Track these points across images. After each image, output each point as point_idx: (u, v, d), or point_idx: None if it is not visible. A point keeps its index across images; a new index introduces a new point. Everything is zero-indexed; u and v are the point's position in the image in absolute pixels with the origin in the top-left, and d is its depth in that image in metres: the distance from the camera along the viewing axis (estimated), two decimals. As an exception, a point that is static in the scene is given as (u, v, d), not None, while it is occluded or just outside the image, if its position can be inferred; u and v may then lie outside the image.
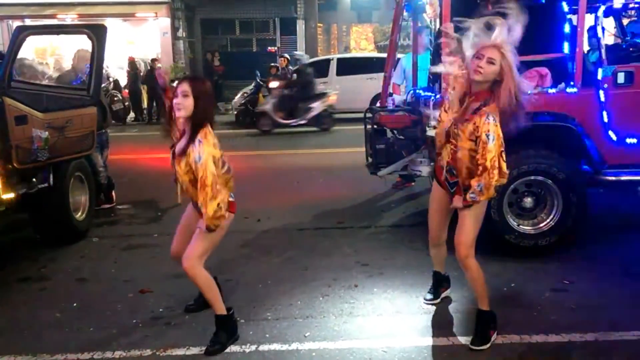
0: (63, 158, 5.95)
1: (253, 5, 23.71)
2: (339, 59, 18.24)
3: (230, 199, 3.89)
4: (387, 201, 7.80)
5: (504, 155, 3.64)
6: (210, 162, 3.66)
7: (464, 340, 3.96)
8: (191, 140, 3.71)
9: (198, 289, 4.46)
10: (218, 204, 3.68)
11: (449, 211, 4.08)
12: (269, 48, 24.32)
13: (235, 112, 17.21)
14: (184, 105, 3.70)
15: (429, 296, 4.56)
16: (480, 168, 3.62)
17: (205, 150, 3.67)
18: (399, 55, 8.73)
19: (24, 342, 4.08)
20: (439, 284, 4.57)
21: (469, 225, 3.86)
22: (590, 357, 3.74)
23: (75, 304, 4.71)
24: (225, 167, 3.87)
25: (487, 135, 3.56)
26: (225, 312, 4.00)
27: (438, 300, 4.54)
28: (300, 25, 24.17)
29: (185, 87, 3.71)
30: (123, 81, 19.34)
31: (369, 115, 6.98)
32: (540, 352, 3.81)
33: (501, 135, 3.61)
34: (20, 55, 5.69)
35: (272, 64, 17.54)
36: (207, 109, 3.80)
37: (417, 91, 6.71)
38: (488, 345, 3.87)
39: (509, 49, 3.61)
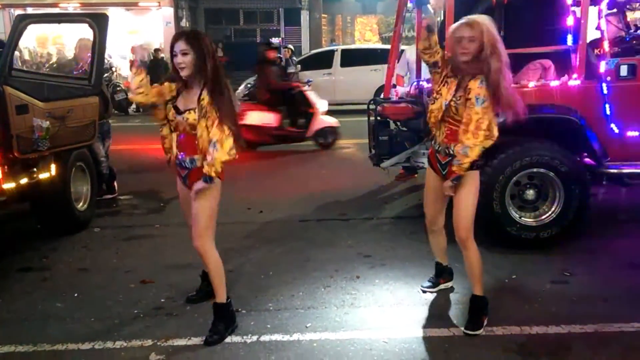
0: (64, 148, 5.93)
1: (257, -5, 23.70)
2: (343, 50, 18.19)
3: None
4: (390, 193, 7.79)
5: (493, 119, 3.71)
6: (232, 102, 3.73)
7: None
8: (204, 88, 3.72)
9: (200, 281, 4.50)
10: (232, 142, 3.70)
11: (445, 196, 4.10)
12: (273, 39, 24.26)
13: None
14: (186, 63, 3.71)
15: (427, 284, 4.59)
16: (463, 127, 3.71)
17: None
18: (403, 47, 8.72)
19: (25, 332, 4.09)
20: (440, 274, 4.59)
21: (466, 208, 3.91)
22: (590, 349, 3.73)
23: (76, 294, 4.72)
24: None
25: (477, 98, 3.68)
26: (225, 301, 4.01)
27: (435, 289, 4.56)
28: (304, 16, 24.14)
29: (182, 45, 3.71)
30: (126, 71, 19.32)
31: (372, 106, 6.96)
32: (541, 344, 3.81)
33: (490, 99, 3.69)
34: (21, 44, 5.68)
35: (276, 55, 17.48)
36: (213, 62, 3.75)
37: (421, 83, 6.69)
38: (481, 330, 3.93)
39: (482, 19, 3.73)
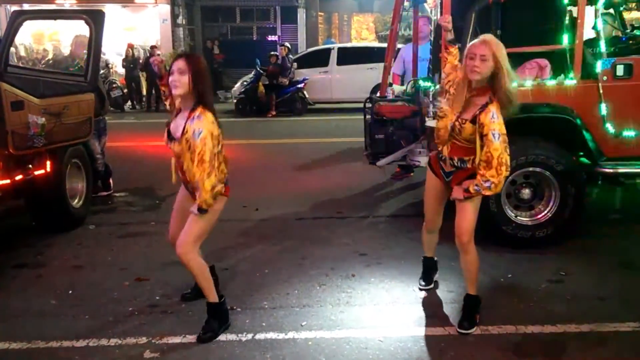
0: (60, 144, 5.92)
1: (254, -7, 23.64)
2: (339, 49, 18.19)
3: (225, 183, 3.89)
4: (386, 191, 7.79)
5: (508, 150, 3.69)
6: (209, 138, 3.62)
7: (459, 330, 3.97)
8: (189, 116, 3.68)
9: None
10: (215, 180, 3.66)
11: (444, 199, 4.15)
12: (271, 37, 24.26)
13: (235, 101, 17.20)
14: (180, 82, 3.64)
15: (423, 282, 4.62)
16: (484, 164, 3.67)
17: (205, 126, 3.62)
18: (399, 46, 8.71)
19: (19, 329, 4.07)
20: (430, 269, 4.64)
21: (470, 213, 3.91)
22: (586, 348, 3.74)
23: (70, 292, 4.70)
24: (219, 146, 3.79)
25: (494, 134, 3.62)
26: (217, 300, 4.00)
27: (431, 285, 4.61)
28: (301, 14, 24.09)
29: (181, 64, 3.66)
30: (120, 69, 19.29)
31: (368, 105, 6.96)
32: (536, 343, 3.82)
33: (505, 131, 3.66)
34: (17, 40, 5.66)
35: (272, 53, 17.50)
36: (204, 86, 3.71)
37: (417, 82, 6.68)
38: (475, 328, 3.95)
39: (496, 41, 3.70)
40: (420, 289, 4.59)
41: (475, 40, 3.74)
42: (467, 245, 3.93)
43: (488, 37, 3.74)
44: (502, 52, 3.65)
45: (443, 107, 3.93)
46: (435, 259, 4.65)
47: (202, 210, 3.72)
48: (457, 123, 3.79)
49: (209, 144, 3.61)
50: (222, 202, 3.89)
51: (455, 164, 3.92)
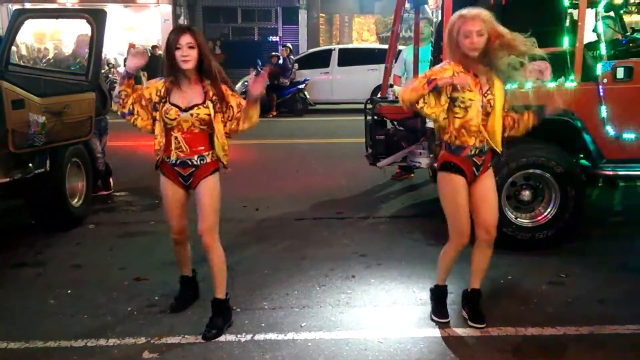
0: (60, 143, 5.91)
1: (256, -6, 23.65)
2: (340, 50, 18.20)
3: None
4: (386, 192, 7.79)
5: None
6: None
7: (460, 331, 3.97)
8: (204, 84, 3.84)
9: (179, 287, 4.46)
10: None
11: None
12: (272, 37, 24.27)
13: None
14: (192, 56, 3.75)
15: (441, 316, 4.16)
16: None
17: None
18: (400, 47, 8.71)
19: (17, 329, 4.06)
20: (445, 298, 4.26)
21: (496, 205, 3.94)
22: (585, 351, 3.74)
23: (69, 291, 4.69)
24: None
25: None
26: (224, 297, 4.05)
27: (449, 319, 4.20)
28: (302, 15, 24.10)
29: (189, 38, 3.74)
30: (121, 69, 19.27)
31: (369, 106, 6.96)
32: (536, 345, 3.81)
33: None
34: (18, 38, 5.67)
35: (274, 53, 17.53)
36: (211, 57, 3.89)
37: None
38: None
39: (486, 12, 3.67)
40: (440, 322, 4.12)
41: (464, 15, 3.64)
42: (494, 238, 3.92)
43: (476, 11, 3.65)
44: (494, 21, 3.65)
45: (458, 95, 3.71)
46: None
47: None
48: (487, 99, 3.70)
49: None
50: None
51: (486, 149, 3.82)
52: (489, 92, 3.71)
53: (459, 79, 3.61)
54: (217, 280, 4.02)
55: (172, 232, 4.16)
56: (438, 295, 4.18)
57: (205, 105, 3.80)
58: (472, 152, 3.79)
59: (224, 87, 3.87)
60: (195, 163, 3.89)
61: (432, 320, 4.11)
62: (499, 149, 3.79)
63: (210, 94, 3.83)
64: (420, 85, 3.64)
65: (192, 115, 3.80)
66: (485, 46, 3.63)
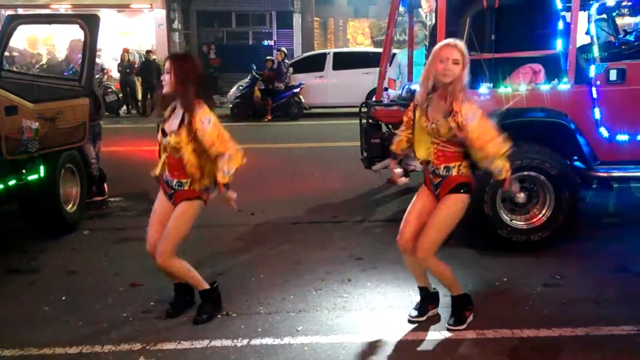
0: (54, 149, 5.90)
1: (250, -2, 23.66)
2: (335, 54, 18.23)
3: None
4: (382, 195, 7.78)
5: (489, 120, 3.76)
6: (218, 121, 3.94)
7: (456, 334, 3.96)
8: (187, 110, 3.87)
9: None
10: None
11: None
12: (266, 41, 24.28)
13: (231, 105, 17.21)
14: (166, 80, 3.90)
15: (414, 312, 4.22)
16: (483, 142, 3.66)
17: (208, 113, 3.90)
18: (394, 50, 8.73)
19: (12, 336, 4.04)
20: (427, 300, 4.29)
21: (439, 223, 3.89)
22: (581, 352, 3.73)
23: (64, 297, 4.67)
24: None
25: (471, 117, 3.63)
26: (207, 287, 4.21)
27: (423, 317, 4.21)
28: (296, 19, 24.13)
29: (167, 64, 3.91)
30: (115, 74, 19.28)
31: (364, 109, 6.96)
32: (532, 347, 3.81)
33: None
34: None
35: (268, 58, 17.55)
36: (192, 83, 3.90)
37: (413, 86, 6.69)
38: (464, 325, 3.99)
39: (464, 45, 3.75)
40: (410, 321, 4.17)
41: (443, 43, 3.75)
42: (422, 258, 3.91)
43: (455, 41, 3.76)
44: (467, 57, 3.71)
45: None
46: (434, 289, 4.26)
47: (227, 187, 3.91)
48: (432, 126, 3.76)
49: (221, 126, 3.92)
50: (200, 208, 4.09)
51: (441, 173, 3.84)
52: (436, 120, 3.74)
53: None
54: (192, 283, 4.23)
55: (146, 242, 4.20)
56: (420, 294, 4.27)
57: (177, 133, 3.89)
58: (430, 170, 3.93)
59: (196, 121, 3.86)
60: (173, 187, 4.05)
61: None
62: (453, 174, 3.82)
63: (189, 121, 3.88)
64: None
65: (168, 142, 3.94)
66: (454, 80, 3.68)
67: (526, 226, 5.42)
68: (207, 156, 3.93)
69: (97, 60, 11.74)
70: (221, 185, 3.90)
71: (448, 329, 3.98)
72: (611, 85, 5.40)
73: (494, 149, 3.66)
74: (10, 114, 5.25)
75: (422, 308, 4.20)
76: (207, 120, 3.86)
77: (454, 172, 3.81)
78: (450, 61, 3.65)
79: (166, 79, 3.90)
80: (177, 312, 4.30)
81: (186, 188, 4.01)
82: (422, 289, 4.22)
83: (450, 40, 3.77)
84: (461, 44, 3.74)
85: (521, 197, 5.41)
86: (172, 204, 4.08)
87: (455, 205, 3.83)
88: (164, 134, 3.96)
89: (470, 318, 4.05)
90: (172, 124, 3.94)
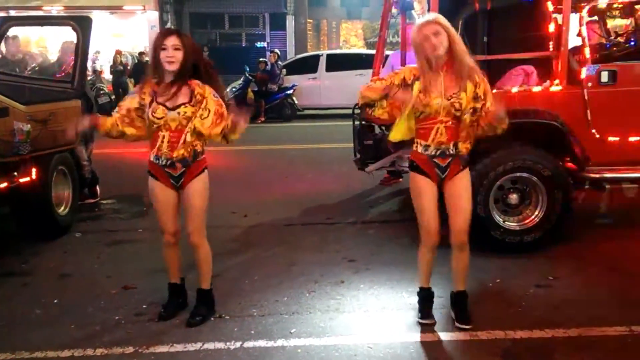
0: (46, 151, 5.87)
1: (243, 0, 23.63)
2: (328, 55, 18.25)
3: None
4: (375, 197, 7.79)
5: None
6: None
7: (449, 335, 3.96)
8: (190, 84, 3.90)
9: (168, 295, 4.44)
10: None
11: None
12: (259, 43, 24.29)
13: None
14: (176, 57, 3.83)
15: (428, 320, 4.15)
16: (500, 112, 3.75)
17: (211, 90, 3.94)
18: (387, 52, 8.73)
19: (4, 339, 4.02)
20: (432, 300, 4.25)
21: (468, 204, 3.93)
22: (574, 353, 3.74)
23: (56, 300, 4.65)
24: None
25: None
26: (209, 287, 4.25)
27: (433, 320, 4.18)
28: (289, 21, 24.14)
29: (175, 40, 3.84)
30: (107, 75, 19.21)
31: (357, 111, 6.96)
32: (525, 348, 3.82)
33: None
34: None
35: (261, 59, 17.54)
36: (200, 59, 3.99)
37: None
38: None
39: (441, 16, 3.81)
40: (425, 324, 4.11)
41: (420, 22, 3.80)
42: (467, 241, 3.95)
43: (430, 15, 3.87)
44: (449, 26, 3.74)
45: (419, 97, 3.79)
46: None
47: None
48: (447, 101, 3.73)
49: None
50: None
51: (452, 151, 3.82)
52: (454, 95, 3.74)
53: (400, 95, 3.79)
54: (203, 271, 4.23)
55: (166, 234, 4.17)
56: (422, 298, 4.19)
57: (192, 104, 3.89)
58: (433, 154, 3.84)
59: (208, 91, 3.93)
60: (187, 162, 3.96)
61: (419, 323, 4.11)
62: (462, 151, 3.84)
63: (196, 92, 3.91)
64: (379, 87, 3.87)
65: (179, 114, 3.87)
66: (451, 49, 3.71)
67: (519, 227, 5.43)
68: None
69: (97, 62, 11.73)
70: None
71: (464, 329, 3.97)
72: (603, 86, 5.42)
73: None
74: (2, 116, 5.22)
75: (429, 311, 4.17)
76: (213, 93, 3.94)
77: (461, 148, 3.84)
78: (432, 36, 3.68)
79: (177, 55, 3.82)
80: (170, 314, 4.28)
81: (200, 159, 4.01)
82: (426, 289, 4.19)
83: (423, 18, 3.86)
84: (434, 15, 3.83)
85: (513, 198, 5.43)
86: (180, 186, 4.01)
87: (469, 182, 3.96)
88: (168, 109, 3.87)
89: None
90: (179, 96, 3.89)
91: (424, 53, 3.73)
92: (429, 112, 3.78)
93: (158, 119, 3.87)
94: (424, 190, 3.90)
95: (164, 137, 3.91)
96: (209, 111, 3.90)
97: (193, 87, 3.91)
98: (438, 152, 3.83)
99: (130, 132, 4.00)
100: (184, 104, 3.88)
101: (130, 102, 3.99)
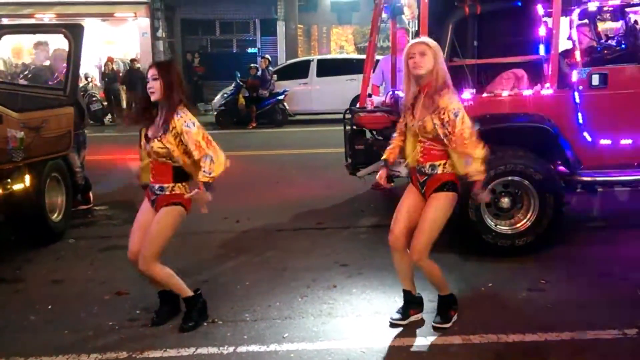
0: (39, 158, 5.88)
1: (233, 6, 23.66)
2: (319, 60, 18.29)
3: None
4: (366, 202, 7.80)
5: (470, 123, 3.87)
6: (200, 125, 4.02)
7: (442, 340, 3.98)
8: (170, 116, 3.93)
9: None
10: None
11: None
12: (250, 49, 24.29)
13: (215, 113, 17.20)
14: (155, 87, 3.92)
15: (396, 315, 4.25)
16: (464, 142, 3.77)
17: (192, 117, 3.98)
18: (378, 57, 8.77)
19: (-3, 345, 4.02)
20: (409, 304, 4.31)
21: (430, 223, 3.96)
22: (567, 356, 3.77)
23: (50, 306, 4.65)
24: None
25: (455, 113, 3.76)
26: (191, 294, 4.21)
27: (405, 321, 4.23)
28: (280, 27, 24.15)
29: (153, 71, 3.94)
30: (99, 82, 19.21)
31: (348, 116, 6.99)
32: (517, 351, 3.83)
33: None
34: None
35: (252, 65, 17.55)
36: (176, 89, 3.98)
37: (396, 92, 6.72)
38: (449, 323, 4.09)
39: (431, 40, 3.93)
40: (391, 324, 4.20)
41: (410, 43, 3.96)
42: (417, 260, 4.00)
43: (420, 37, 4.06)
44: (438, 48, 3.87)
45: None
46: (417, 294, 4.29)
47: (209, 187, 3.93)
48: (419, 124, 3.88)
49: (204, 130, 4.01)
50: (182, 214, 4.12)
51: (427, 170, 3.95)
52: (424, 118, 3.86)
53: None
54: (175, 290, 4.23)
55: (128, 250, 4.20)
56: (404, 296, 4.29)
57: (159, 139, 3.94)
58: (417, 169, 4.02)
59: (180, 124, 3.94)
60: (155, 192, 4.09)
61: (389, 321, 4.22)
62: (438, 173, 3.92)
63: (175, 125, 3.95)
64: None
65: (151, 147, 3.98)
66: (433, 71, 3.82)
67: (511, 231, 5.45)
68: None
69: (94, 68, 11.72)
70: (201, 184, 3.93)
71: (434, 327, 4.06)
72: (594, 90, 5.46)
73: (472, 147, 3.78)
74: (-5, 123, 5.22)
75: (404, 311, 4.23)
76: (191, 123, 3.95)
77: (439, 170, 3.92)
78: (417, 55, 3.80)
79: (155, 86, 3.93)
80: (162, 320, 4.28)
81: (167, 193, 4.05)
82: (406, 292, 4.26)
83: (416, 39, 4.04)
84: (427, 38, 3.97)
85: (505, 202, 5.45)
86: (155, 210, 4.11)
87: (442, 204, 3.93)
88: (147, 139, 4.00)
89: (455, 317, 4.14)
90: (156, 130, 3.98)
91: (407, 69, 3.89)
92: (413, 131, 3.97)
93: (142, 148, 4.12)
94: (406, 194, 4.14)
95: (150, 164, 4.13)
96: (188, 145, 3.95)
97: (173, 121, 3.95)
98: (417, 169, 4.01)
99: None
100: (156, 137, 3.96)
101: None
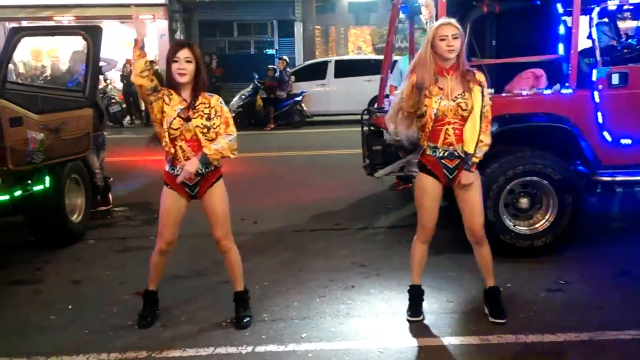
0: (59, 160, 5.93)
1: (251, 8, 23.76)
2: (336, 61, 18.29)
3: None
4: (384, 202, 7.79)
5: None
6: None
7: (460, 340, 3.97)
8: (199, 97, 3.99)
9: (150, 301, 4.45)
10: None
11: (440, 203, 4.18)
12: (268, 50, 24.36)
13: (233, 114, 17.21)
14: (188, 70, 3.91)
15: (416, 317, 4.29)
16: (487, 123, 3.92)
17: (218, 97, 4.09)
18: (395, 57, 8.76)
19: (18, 345, 4.07)
20: (421, 299, 4.37)
21: (480, 204, 4.06)
22: (585, 357, 3.74)
23: (70, 307, 4.69)
24: None
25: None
26: (244, 289, 4.37)
27: (421, 317, 4.30)
28: (298, 28, 24.18)
29: (187, 52, 3.92)
30: (118, 84, 19.33)
31: (365, 116, 6.99)
32: (536, 352, 3.81)
33: None
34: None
35: (270, 66, 17.59)
36: (203, 68, 4.04)
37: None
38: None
39: (455, 20, 3.92)
40: (410, 321, 4.24)
41: (438, 23, 3.91)
42: (483, 237, 4.09)
43: (447, 18, 3.97)
44: (462, 32, 3.90)
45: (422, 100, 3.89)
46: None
47: (204, 160, 3.94)
48: (453, 104, 3.84)
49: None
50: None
51: (459, 153, 3.93)
52: (460, 96, 3.84)
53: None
54: (237, 274, 4.34)
55: (163, 242, 4.20)
56: (413, 295, 4.31)
57: (200, 116, 3.96)
58: (441, 155, 3.95)
59: (214, 101, 4.05)
60: (201, 171, 4.01)
61: (407, 320, 4.24)
62: (469, 151, 3.90)
63: (209, 102, 4.02)
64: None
65: (193, 125, 3.94)
66: (459, 54, 3.86)
67: (529, 232, 5.42)
68: None
69: (113, 70, 11.88)
70: (203, 152, 3.93)
71: (498, 323, 4.11)
72: (614, 89, 5.41)
73: (489, 130, 3.95)
74: (15, 125, 5.28)
75: (419, 308, 4.29)
76: (222, 101, 4.09)
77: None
78: (450, 37, 3.79)
79: (188, 68, 3.91)
80: (151, 322, 4.31)
81: (213, 168, 4.07)
82: (415, 287, 4.30)
83: (443, 19, 3.96)
84: (453, 19, 3.93)
85: (524, 202, 5.42)
86: (195, 195, 4.10)
87: (479, 183, 4.06)
88: (186, 120, 3.93)
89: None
90: (190, 108, 3.97)
91: (439, 50, 3.82)
92: (438, 114, 3.87)
93: (174, 129, 3.93)
94: (428, 189, 4.06)
95: (181, 147, 3.97)
96: (219, 119, 4.02)
97: (205, 100, 4.00)
98: (446, 154, 3.94)
99: (147, 83, 3.97)
100: (199, 115, 3.96)
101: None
